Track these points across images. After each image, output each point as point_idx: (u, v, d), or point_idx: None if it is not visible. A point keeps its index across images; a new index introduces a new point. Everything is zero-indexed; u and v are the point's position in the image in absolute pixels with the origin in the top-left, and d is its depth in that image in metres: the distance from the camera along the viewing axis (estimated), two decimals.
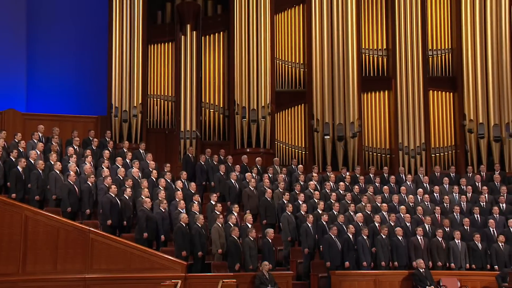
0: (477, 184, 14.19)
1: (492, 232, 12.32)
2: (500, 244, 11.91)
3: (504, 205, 13.25)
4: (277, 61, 16.24)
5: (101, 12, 16.44)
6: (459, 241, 11.91)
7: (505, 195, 13.50)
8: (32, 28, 16.68)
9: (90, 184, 11.72)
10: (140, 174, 12.72)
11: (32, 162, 11.98)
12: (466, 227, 12.40)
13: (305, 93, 16.15)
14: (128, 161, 13.28)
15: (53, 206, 11.59)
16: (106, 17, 16.13)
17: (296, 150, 16.08)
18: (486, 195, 13.53)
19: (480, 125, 15.65)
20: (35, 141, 12.93)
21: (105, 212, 11.21)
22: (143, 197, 11.46)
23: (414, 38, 16.01)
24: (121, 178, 12.27)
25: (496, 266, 11.78)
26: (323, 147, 15.60)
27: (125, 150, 13.85)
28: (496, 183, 14.23)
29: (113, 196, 11.33)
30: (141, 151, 14.11)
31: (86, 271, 10.13)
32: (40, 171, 11.70)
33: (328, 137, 15.61)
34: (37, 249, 10.17)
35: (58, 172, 11.82)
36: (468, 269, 11.82)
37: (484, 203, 13.33)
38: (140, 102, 15.90)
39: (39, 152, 12.40)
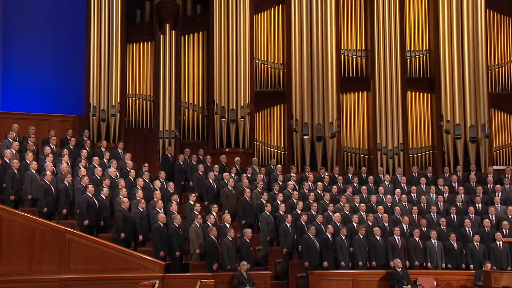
0: (453, 184, 14.35)
1: (468, 232, 12.47)
2: (475, 243, 12.06)
3: (479, 205, 13.41)
4: (257, 61, 16.25)
5: (79, 10, 16.27)
6: (436, 241, 12.04)
7: (480, 195, 13.68)
8: (7, 25, 16.44)
9: (67, 184, 11.59)
10: (118, 174, 12.63)
11: (7, 161, 11.81)
12: (442, 227, 12.53)
13: (284, 93, 16.19)
14: (105, 160, 13.17)
15: (29, 206, 11.44)
16: (84, 15, 15.97)
17: (275, 150, 16.10)
18: (462, 195, 13.68)
19: (456, 126, 15.83)
20: (10, 140, 12.75)
21: (82, 212, 11.11)
22: (121, 197, 11.39)
23: (392, 39, 16.14)
24: (99, 178, 12.17)
25: (472, 266, 11.92)
26: (302, 147, 15.65)
27: (103, 150, 13.75)
28: (472, 184, 14.40)
29: (90, 196, 11.23)
30: (119, 151, 14.02)
31: (62, 271, 10.00)
32: (15, 171, 11.56)
33: (307, 137, 15.66)
34: (12, 249, 9.99)
35: (34, 171, 11.67)
36: (444, 268, 11.96)
37: (460, 203, 13.48)
38: (118, 101, 15.79)
39: (14, 152, 12.23)
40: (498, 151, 16.39)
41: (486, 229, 12.47)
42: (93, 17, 15.86)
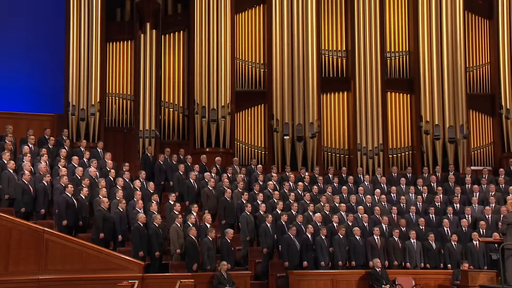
0: (432, 184, 14.48)
1: (446, 231, 12.59)
2: (453, 243, 12.18)
3: (458, 205, 13.56)
4: (237, 61, 16.24)
5: (59, 8, 16.09)
6: (415, 240, 12.13)
7: (459, 195, 13.82)
8: None
9: (46, 184, 11.48)
10: (97, 174, 12.53)
11: None
12: (421, 227, 12.63)
13: (265, 93, 16.20)
14: (85, 160, 13.07)
15: (6, 206, 11.30)
16: (64, 13, 15.80)
17: (256, 150, 16.11)
18: (441, 196, 13.81)
19: (436, 126, 15.97)
20: None
21: (60, 212, 11.00)
22: (101, 197, 11.30)
23: (372, 40, 16.23)
24: (79, 178, 12.06)
25: (449, 265, 12.04)
26: (283, 147, 15.67)
27: (82, 149, 13.64)
28: (450, 184, 14.54)
29: (69, 195, 11.13)
30: (99, 150, 13.92)
31: (39, 272, 9.87)
32: None
33: (288, 137, 15.68)
34: None
35: (11, 171, 11.54)
36: (422, 268, 12.06)
37: (439, 203, 13.61)
38: (98, 100, 15.64)
39: None
40: (476, 152, 16.57)
41: (464, 228, 12.60)
42: (73, 15, 15.69)
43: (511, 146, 16.09)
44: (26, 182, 11.25)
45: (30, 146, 12.88)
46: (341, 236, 11.81)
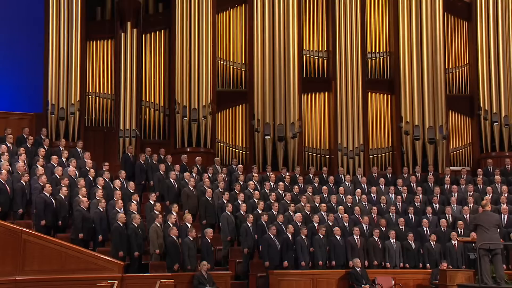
0: (412, 184, 14.58)
1: (425, 231, 12.68)
2: (432, 243, 12.28)
3: (437, 205, 13.68)
4: (219, 61, 16.21)
5: (38, 6, 15.90)
6: (394, 240, 12.22)
7: (438, 195, 13.95)
8: None
9: (24, 183, 11.36)
10: (77, 173, 12.43)
11: None
12: (401, 227, 12.72)
13: (246, 93, 16.19)
14: (64, 159, 12.95)
15: None
16: (42, 10, 15.63)
17: (237, 150, 16.09)
18: (420, 196, 13.92)
19: (415, 127, 16.10)
20: None
21: (38, 212, 10.89)
22: (80, 197, 11.21)
23: (353, 41, 16.31)
24: (58, 177, 11.95)
25: (428, 264, 12.14)
26: (264, 147, 15.68)
27: (61, 149, 13.51)
28: (430, 184, 14.66)
29: (48, 195, 11.02)
30: (78, 150, 13.80)
31: (17, 273, 9.75)
32: None
33: (269, 137, 15.69)
34: None
35: None
36: (402, 267, 12.15)
37: (419, 203, 13.72)
38: (78, 99, 15.50)
39: None
40: (455, 152, 16.73)
41: (442, 228, 12.71)
42: (52, 14, 15.51)
43: (489, 146, 16.28)
44: (3, 182, 11.11)
45: (8, 145, 12.73)
46: (321, 236, 11.84)
